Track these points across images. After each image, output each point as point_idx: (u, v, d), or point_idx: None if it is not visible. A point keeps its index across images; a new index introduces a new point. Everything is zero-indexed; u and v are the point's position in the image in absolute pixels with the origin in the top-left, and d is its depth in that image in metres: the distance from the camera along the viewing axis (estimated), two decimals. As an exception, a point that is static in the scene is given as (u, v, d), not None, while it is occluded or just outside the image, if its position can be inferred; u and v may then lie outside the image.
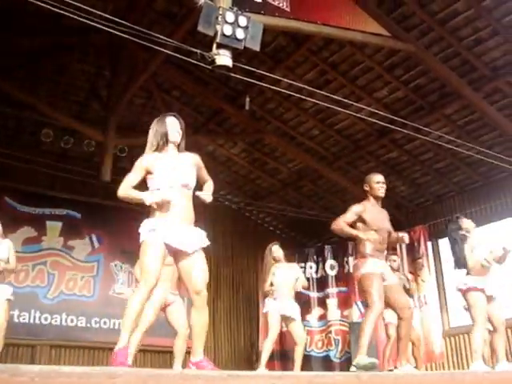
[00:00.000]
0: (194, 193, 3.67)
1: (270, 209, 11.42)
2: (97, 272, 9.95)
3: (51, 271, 9.49)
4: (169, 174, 3.53)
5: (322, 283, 10.44)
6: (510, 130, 8.16)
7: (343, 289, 10.20)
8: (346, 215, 4.96)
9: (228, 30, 4.96)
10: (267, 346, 6.65)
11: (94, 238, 10.09)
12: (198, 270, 3.42)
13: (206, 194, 3.67)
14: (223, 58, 5.03)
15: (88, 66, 8.78)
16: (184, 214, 3.49)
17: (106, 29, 4.88)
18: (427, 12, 6.82)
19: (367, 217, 4.92)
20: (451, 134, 8.11)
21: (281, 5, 5.66)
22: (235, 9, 5.07)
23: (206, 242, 3.52)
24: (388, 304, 5.00)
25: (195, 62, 5.26)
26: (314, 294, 10.37)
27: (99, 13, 5.02)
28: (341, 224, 4.95)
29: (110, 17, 4.92)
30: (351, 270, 10.01)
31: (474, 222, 5.94)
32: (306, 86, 6.97)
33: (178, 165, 3.58)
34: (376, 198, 5.06)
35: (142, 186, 3.64)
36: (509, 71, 7.36)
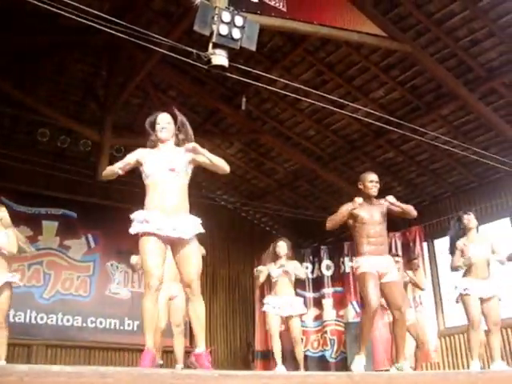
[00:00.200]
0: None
1: (266, 209, 11.44)
2: (93, 272, 9.95)
3: (47, 271, 9.48)
4: (157, 161, 3.57)
5: (317, 283, 10.44)
6: (506, 131, 8.19)
7: (339, 289, 10.20)
8: (337, 213, 5.17)
9: (224, 30, 4.97)
10: (275, 346, 6.63)
11: (90, 238, 10.09)
12: (189, 264, 3.45)
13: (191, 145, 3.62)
14: (219, 58, 5.04)
15: (85, 65, 8.77)
16: (175, 200, 3.49)
17: (104, 28, 4.88)
18: (424, 13, 6.84)
19: (356, 211, 5.08)
20: (447, 135, 8.13)
21: (277, 5, 5.67)
22: (231, 8, 5.07)
23: (200, 229, 3.53)
24: (386, 301, 5.04)
25: (191, 61, 5.27)
26: (309, 295, 10.37)
27: (97, 13, 5.01)
28: (332, 217, 5.17)
29: (108, 17, 4.92)
30: (347, 270, 10.06)
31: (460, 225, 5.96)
32: (303, 86, 6.98)
33: (168, 154, 3.62)
34: (369, 196, 5.15)
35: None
36: (505, 72, 7.39)
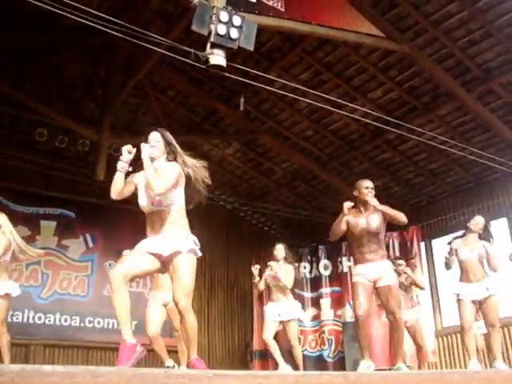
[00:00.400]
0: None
1: (265, 209, 11.44)
2: (91, 271, 9.94)
3: (45, 271, 9.47)
4: (141, 191, 3.62)
5: (315, 283, 10.46)
6: (503, 132, 8.21)
7: (337, 289, 10.22)
8: (333, 226, 5.25)
9: (222, 30, 4.98)
10: (273, 351, 6.70)
11: (89, 238, 10.07)
12: (174, 283, 3.43)
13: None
14: (217, 58, 5.04)
15: (83, 65, 8.77)
16: (157, 226, 3.50)
17: (102, 28, 4.89)
18: (421, 13, 6.86)
19: (348, 219, 5.13)
20: (445, 135, 8.15)
21: (275, 5, 5.67)
22: (229, 8, 5.08)
23: (188, 246, 3.44)
24: (382, 305, 5.08)
25: (190, 61, 5.27)
26: (307, 294, 10.39)
27: (96, 12, 5.02)
28: (332, 231, 5.25)
29: (106, 16, 4.92)
30: (345, 270, 10.08)
31: (467, 222, 5.98)
32: (301, 87, 7.00)
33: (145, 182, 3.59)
34: (364, 203, 5.15)
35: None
36: (502, 73, 7.41)
